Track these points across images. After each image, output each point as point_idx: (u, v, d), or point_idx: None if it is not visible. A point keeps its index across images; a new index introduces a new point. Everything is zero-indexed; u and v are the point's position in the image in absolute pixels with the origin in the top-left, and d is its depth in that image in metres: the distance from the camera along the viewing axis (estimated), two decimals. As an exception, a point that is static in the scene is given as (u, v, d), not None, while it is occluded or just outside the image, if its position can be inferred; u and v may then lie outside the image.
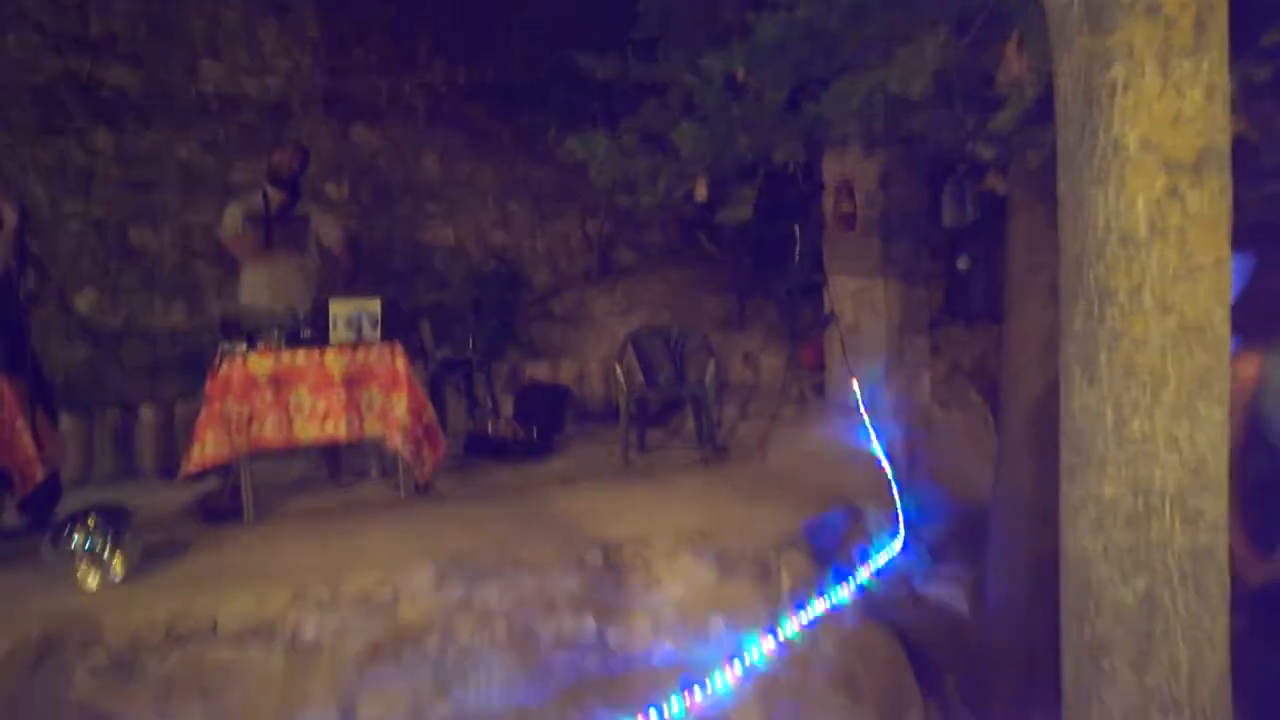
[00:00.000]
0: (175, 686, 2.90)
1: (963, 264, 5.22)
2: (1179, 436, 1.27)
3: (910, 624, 3.72)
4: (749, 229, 7.10)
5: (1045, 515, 3.45)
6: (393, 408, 4.11)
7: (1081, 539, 1.37)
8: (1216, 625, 1.31)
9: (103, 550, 3.12)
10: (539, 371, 6.58)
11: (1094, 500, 1.35)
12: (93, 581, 3.11)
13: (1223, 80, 1.27)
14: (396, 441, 4.08)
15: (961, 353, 6.64)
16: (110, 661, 2.86)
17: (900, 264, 5.01)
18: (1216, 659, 1.31)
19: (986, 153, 4.50)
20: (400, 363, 4.15)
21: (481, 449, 5.30)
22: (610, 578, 3.44)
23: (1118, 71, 1.24)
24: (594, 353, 7.00)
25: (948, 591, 3.96)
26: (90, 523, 3.14)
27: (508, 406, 6.10)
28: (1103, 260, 1.30)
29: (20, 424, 3.54)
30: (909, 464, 4.83)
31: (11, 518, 3.76)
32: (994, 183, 2.99)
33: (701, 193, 2.99)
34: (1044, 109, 2.41)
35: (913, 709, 3.33)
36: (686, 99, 3.37)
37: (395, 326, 4.27)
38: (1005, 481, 3.49)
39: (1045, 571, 3.49)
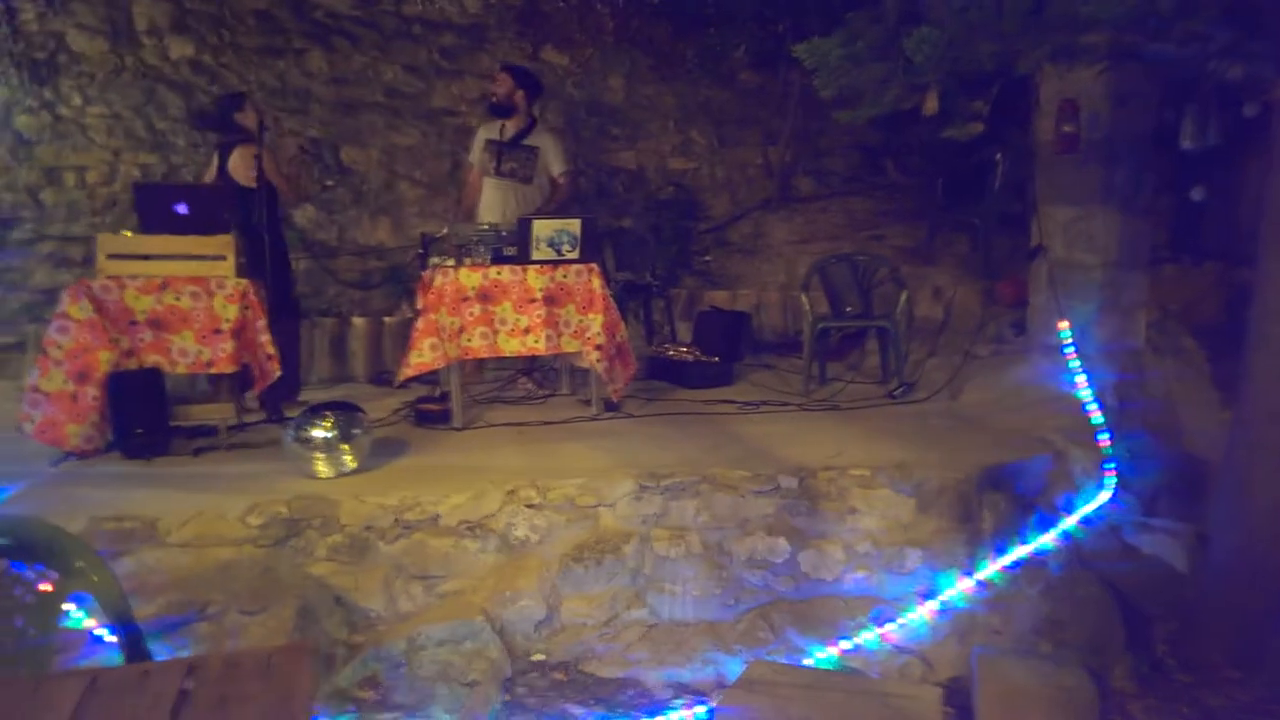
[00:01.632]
0: (401, 570, 3.15)
1: (1197, 194, 4.74)
2: None
3: (1120, 576, 3.52)
4: (941, 156, 6.74)
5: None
6: (589, 326, 4.21)
7: None
8: None
9: (337, 443, 3.39)
10: (717, 298, 6.57)
11: None
12: (327, 471, 3.39)
13: None
14: (592, 359, 4.19)
15: (1171, 295, 6.10)
16: (347, 542, 3.13)
17: (1122, 193, 4.60)
18: None
19: (1236, 71, 4.03)
20: (597, 282, 4.23)
21: (663, 372, 5.37)
22: (804, 503, 3.43)
23: None
24: (771, 281, 6.91)
25: (1161, 544, 3.71)
26: (327, 418, 3.41)
27: (686, 332, 6.14)
28: None
29: (262, 324, 3.87)
30: (1119, 411, 4.51)
31: (253, 411, 4.15)
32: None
33: (932, 105, 2.81)
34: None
35: (1122, 660, 3.17)
36: (903, 9, 3.17)
37: (589, 247, 4.34)
38: (1248, 429, 3.20)
39: (1285, 528, 3.22)
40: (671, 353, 5.46)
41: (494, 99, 4.85)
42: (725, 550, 3.34)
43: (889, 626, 3.21)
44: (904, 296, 5.15)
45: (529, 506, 3.25)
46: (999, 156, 5.93)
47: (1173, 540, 3.70)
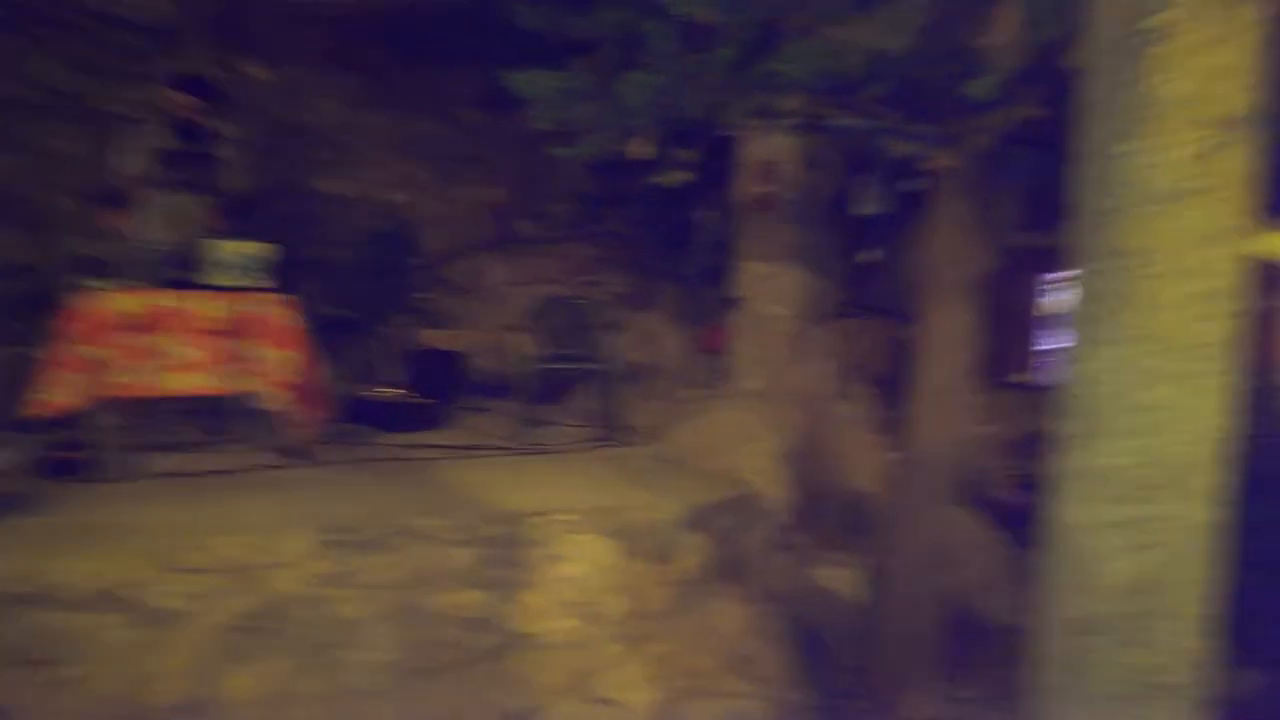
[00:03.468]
0: (7, 654, 2.55)
1: (869, 256, 5.28)
2: (1189, 408, 1.23)
3: (802, 607, 3.72)
4: (655, 209, 7.03)
5: (948, 500, 3.55)
6: (275, 362, 3.78)
7: (1076, 511, 1.32)
8: (1206, 604, 1.30)
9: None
10: (432, 338, 6.29)
11: (1096, 471, 1.30)
12: (-91, 535, 2.69)
13: (1258, 38, 1.23)
14: (278, 400, 3.76)
15: (849, 347, 6.77)
16: (-71, 626, 2.48)
17: (811, 252, 5.01)
18: (1204, 640, 1.29)
19: (903, 147, 4.54)
20: (287, 314, 3.82)
21: (366, 415, 4.98)
22: (506, 552, 3.27)
23: (1158, 20, 1.18)
24: (490, 322, 6.74)
25: (839, 575, 3.98)
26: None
27: (396, 373, 5.79)
28: (1124, 219, 1.25)
29: None
30: (805, 452, 4.85)
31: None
32: (947, 159, 2.96)
33: (644, 149, 2.84)
34: (1020, 83, 2.39)
35: (802, 691, 3.31)
36: (622, 55, 3.21)
37: (284, 275, 3.94)
38: (908, 467, 3.53)
39: (941, 555, 3.58)
40: (377, 394, 5.10)
41: (173, 112, 4.30)
42: (419, 608, 3.08)
43: (590, 676, 3.11)
44: (619, 341, 5.22)
45: (185, 570, 2.78)
46: (706, 213, 6.29)
47: (846, 571, 3.98)
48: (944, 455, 3.44)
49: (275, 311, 3.80)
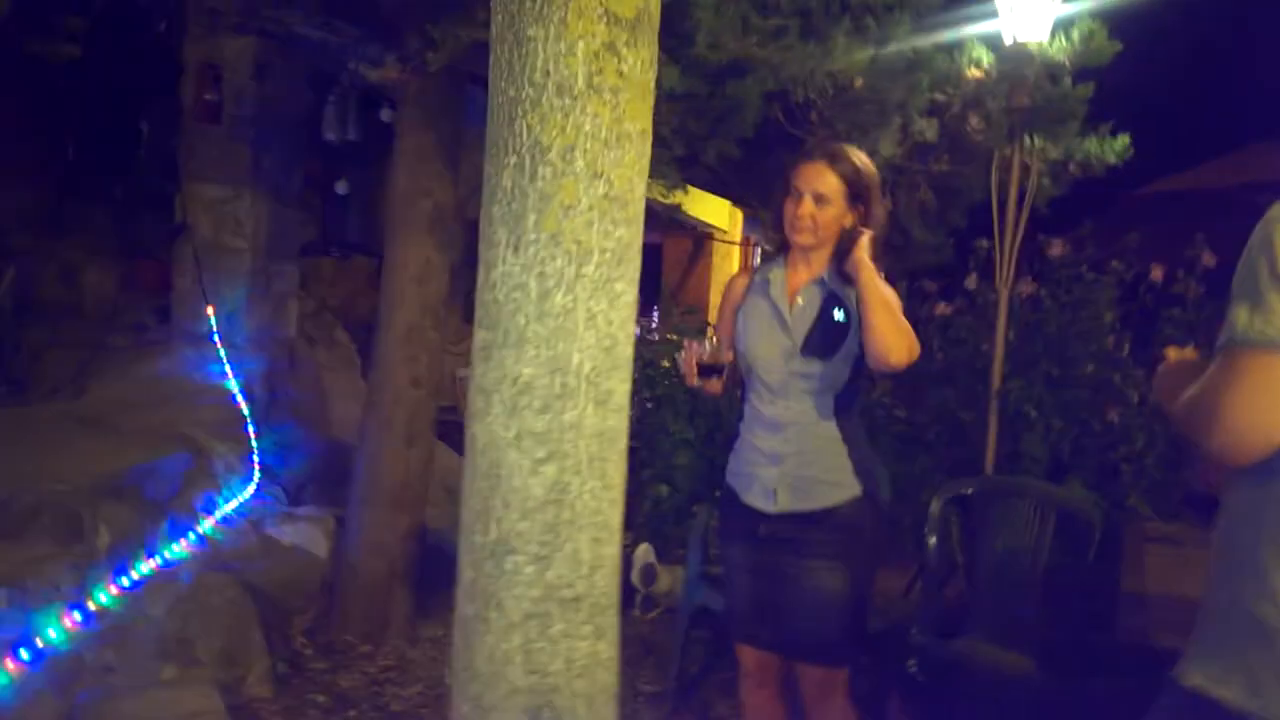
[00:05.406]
0: None
1: (342, 187, 4.92)
2: (596, 313, 1.21)
3: (260, 574, 3.34)
4: (76, 109, 5.71)
5: (412, 438, 3.45)
6: None
7: (493, 427, 1.22)
8: (615, 512, 1.31)
9: None
10: None
11: (510, 382, 1.22)
12: None
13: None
14: None
15: (330, 289, 6.35)
16: None
17: (272, 177, 4.48)
18: (613, 547, 1.31)
19: (373, 74, 4.26)
20: None
21: None
22: None
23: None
24: None
25: (303, 533, 3.66)
26: None
27: None
28: (538, 111, 1.16)
29: None
30: (269, 401, 4.39)
31: None
32: (406, 83, 2.74)
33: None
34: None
35: (257, 665, 2.97)
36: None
37: None
38: (376, 408, 3.36)
39: (407, 495, 3.47)
40: None
41: None
42: None
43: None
44: (10, 275, 4.13)
45: None
46: (145, 124, 5.31)
47: (314, 527, 3.69)
48: (408, 393, 3.33)
49: None
